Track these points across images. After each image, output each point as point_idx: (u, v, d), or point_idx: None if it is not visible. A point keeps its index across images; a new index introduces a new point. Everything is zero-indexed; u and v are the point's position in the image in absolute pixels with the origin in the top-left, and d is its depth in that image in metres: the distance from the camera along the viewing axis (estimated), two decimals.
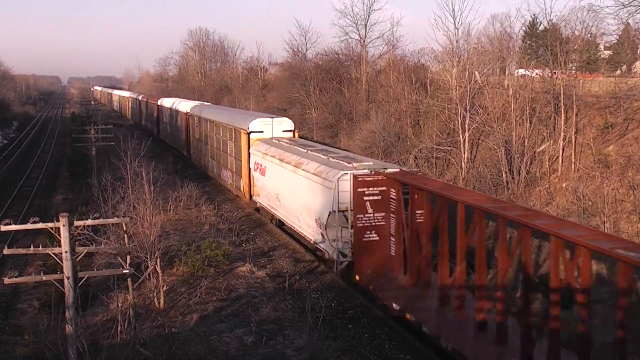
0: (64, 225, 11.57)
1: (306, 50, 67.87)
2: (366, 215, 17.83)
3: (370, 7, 56.32)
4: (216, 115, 37.82)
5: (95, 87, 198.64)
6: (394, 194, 17.40)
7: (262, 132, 29.19)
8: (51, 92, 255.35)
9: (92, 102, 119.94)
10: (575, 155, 28.86)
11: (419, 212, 16.21)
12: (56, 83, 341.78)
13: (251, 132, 29.13)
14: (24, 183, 40.32)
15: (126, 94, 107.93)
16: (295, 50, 67.80)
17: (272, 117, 30.61)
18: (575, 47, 35.27)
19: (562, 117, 30.05)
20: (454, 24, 37.14)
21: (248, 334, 15.44)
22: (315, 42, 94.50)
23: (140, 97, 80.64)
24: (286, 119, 31.13)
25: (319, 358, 14.28)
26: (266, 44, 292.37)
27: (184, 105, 48.46)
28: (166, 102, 58.18)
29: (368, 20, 56.42)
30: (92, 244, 15.76)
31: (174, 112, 52.25)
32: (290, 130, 30.04)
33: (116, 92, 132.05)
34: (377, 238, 17.98)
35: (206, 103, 53.10)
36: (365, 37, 56.39)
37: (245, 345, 14.67)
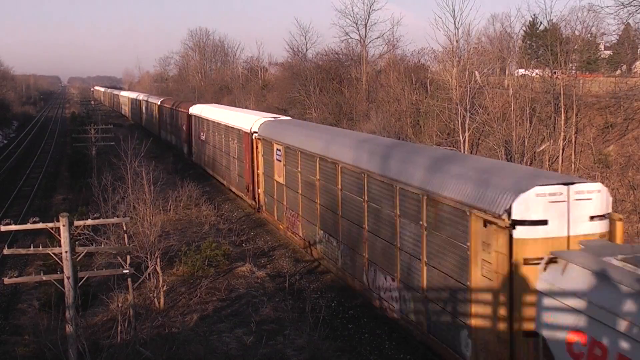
0: (64, 225, 11.57)
1: (306, 50, 68.18)
2: None
3: (370, 7, 56.57)
4: (347, 153, 18.43)
5: (97, 87, 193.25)
6: None
7: (544, 222, 11.51)
8: (51, 92, 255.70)
9: (92, 102, 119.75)
10: (575, 155, 28.90)
11: None
12: (56, 83, 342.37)
13: (516, 221, 11.41)
14: (24, 183, 40.33)
15: (135, 95, 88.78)
16: (295, 50, 68.13)
17: (567, 184, 11.72)
18: (575, 47, 35.32)
19: (562, 117, 30.08)
20: (454, 24, 37.28)
21: (248, 334, 15.43)
22: (315, 42, 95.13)
23: (158, 102, 61.87)
24: (598, 185, 12.09)
25: (319, 358, 14.28)
26: (266, 44, 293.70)
27: (244, 120, 30.02)
28: (203, 111, 40.57)
29: (368, 20, 56.69)
30: (92, 244, 15.77)
31: (222, 129, 34.22)
32: (603, 216, 11.93)
33: (124, 93, 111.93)
34: None
35: (284, 117, 31.33)
36: (366, 37, 56.58)
37: (245, 345, 14.67)
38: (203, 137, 39.55)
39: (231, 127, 31.97)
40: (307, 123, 31.66)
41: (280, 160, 24.32)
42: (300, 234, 22.66)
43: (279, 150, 24.38)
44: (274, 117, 29.28)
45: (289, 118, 32.05)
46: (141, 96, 79.60)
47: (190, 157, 43.99)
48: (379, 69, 53.53)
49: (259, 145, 27.09)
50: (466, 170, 13.59)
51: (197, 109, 42.28)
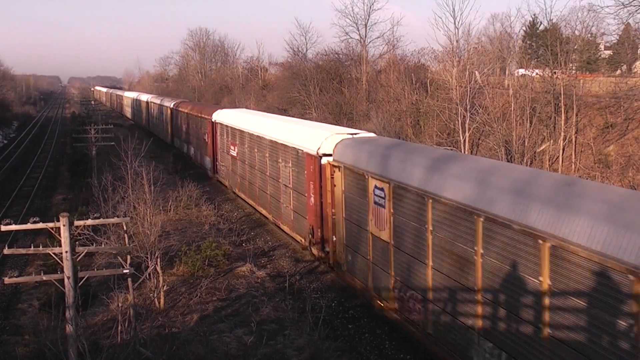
0: (64, 225, 11.57)
1: (306, 50, 68.22)
2: None
3: (370, 7, 56.65)
4: (580, 225, 9.27)
5: (97, 88, 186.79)
6: None
7: None
8: (51, 92, 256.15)
9: (92, 102, 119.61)
10: (575, 155, 28.91)
11: None
12: (56, 83, 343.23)
13: None
14: (24, 183, 40.35)
15: (142, 96, 77.31)
16: (295, 50, 68.17)
17: None
18: (575, 47, 35.34)
19: (562, 117, 30.09)
20: (454, 24, 37.34)
21: (248, 333, 15.43)
22: (315, 42, 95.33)
23: (171, 105, 53.07)
24: None
25: (319, 358, 14.27)
26: (266, 44, 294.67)
27: (306, 137, 21.47)
28: (233, 118, 32.30)
29: (368, 20, 56.77)
30: (93, 244, 15.78)
31: (266, 145, 25.52)
32: None
33: (128, 94, 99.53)
34: None
35: (366, 133, 20.91)
36: (366, 37, 56.63)
37: (246, 345, 14.67)
38: (234, 152, 30.90)
39: (282, 144, 23.43)
40: (423, 147, 20.46)
41: (383, 206, 15.41)
42: (430, 330, 13.62)
43: (381, 189, 15.48)
44: (352, 134, 19.77)
45: (372, 135, 20.64)
46: (149, 98, 70.13)
47: (215, 175, 35.71)
48: (379, 69, 53.57)
49: (336, 176, 18.41)
50: None
51: (223, 116, 34.09)
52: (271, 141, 24.85)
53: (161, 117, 58.62)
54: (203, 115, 38.51)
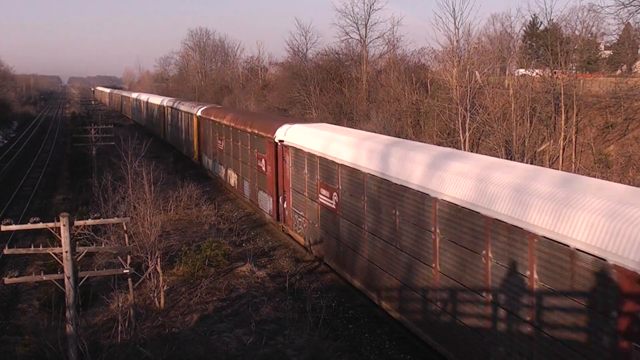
0: (64, 225, 11.58)
1: (306, 50, 68.23)
2: None
3: (370, 7, 56.66)
4: None
5: (99, 88, 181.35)
6: None
7: None
8: (52, 92, 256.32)
9: (93, 102, 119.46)
10: (575, 155, 28.92)
11: None
12: (56, 83, 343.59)
13: None
14: (24, 183, 40.33)
15: (153, 99, 63.55)
16: (295, 50, 68.19)
17: None
18: (575, 47, 35.33)
19: (563, 117, 30.10)
20: (455, 24, 37.37)
21: (248, 334, 15.44)
22: (315, 42, 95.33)
23: (196, 112, 39.93)
24: None
25: (319, 358, 14.27)
26: (266, 44, 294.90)
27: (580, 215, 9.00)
28: (331, 145, 18.76)
29: (368, 20, 56.79)
30: (93, 244, 15.79)
31: (426, 206, 13.25)
32: None
33: (135, 95, 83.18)
34: None
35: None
36: (366, 37, 56.65)
37: (246, 345, 14.68)
38: (328, 200, 19.01)
39: (495, 220, 10.89)
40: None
41: None
42: None
43: None
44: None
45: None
46: (165, 101, 55.66)
47: (281, 223, 24.12)
48: (379, 68, 53.62)
49: None
50: None
51: (300, 135, 21.67)
52: (449, 204, 12.53)
53: (183, 127, 45.45)
54: (257, 131, 26.20)
